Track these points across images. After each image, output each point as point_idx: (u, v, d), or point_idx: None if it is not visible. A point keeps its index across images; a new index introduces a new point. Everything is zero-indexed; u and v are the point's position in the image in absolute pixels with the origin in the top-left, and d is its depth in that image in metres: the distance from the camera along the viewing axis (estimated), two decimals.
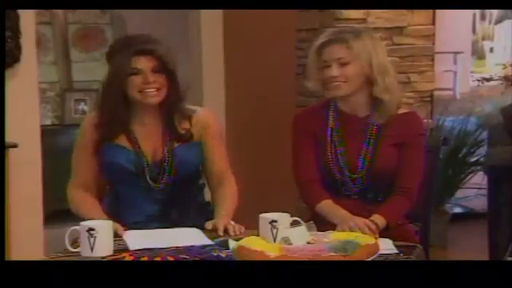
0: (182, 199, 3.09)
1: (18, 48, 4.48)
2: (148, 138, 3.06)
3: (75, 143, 3.13)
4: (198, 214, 3.11)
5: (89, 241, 2.60)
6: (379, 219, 2.95)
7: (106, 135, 3.04)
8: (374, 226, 2.88)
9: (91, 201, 3.05)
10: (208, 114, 3.16)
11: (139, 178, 3.03)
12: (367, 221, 2.90)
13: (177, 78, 3.04)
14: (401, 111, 3.13)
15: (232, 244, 2.53)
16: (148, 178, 3.03)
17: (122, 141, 3.05)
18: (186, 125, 3.08)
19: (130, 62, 2.98)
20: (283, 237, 2.65)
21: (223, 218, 2.94)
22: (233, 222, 2.92)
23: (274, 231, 2.67)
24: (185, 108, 3.10)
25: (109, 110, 3.03)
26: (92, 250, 2.60)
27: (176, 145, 3.06)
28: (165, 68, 3.00)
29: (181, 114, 3.08)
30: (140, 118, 3.07)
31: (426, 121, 5.08)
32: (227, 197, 3.08)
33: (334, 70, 3.02)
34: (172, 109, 3.05)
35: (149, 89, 2.99)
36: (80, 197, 3.06)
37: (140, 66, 2.98)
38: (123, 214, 3.03)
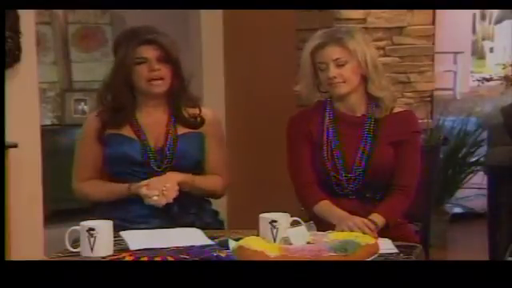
0: (183, 194, 3.09)
1: (18, 48, 4.48)
2: (152, 126, 3.10)
3: (79, 137, 3.16)
4: (198, 211, 3.13)
5: (89, 241, 2.60)
6: (378, 218, 2.95)
7: (109, 124, 3.08)
8: (372, 225, 2.88)
9: (100, 182, 3.10)
10: (217, 115, 3.22)
11: (143, 166, 3.06)
12: (366, 220, 2.90)
13: (181, 67, 3.11)
14: (396, 110, 3.14)
15: (232, 244, 2.53)
16: (151, 164, 3.06)
17: (127, 131, 3.09)
18: (196, 111, 3.14)
19: (136, 51, 3.04)
20: (283, 237, 2.65)
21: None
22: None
23: (274, 231, 2.67)
24: (191, 96, 3.16)
25: (113, 99, 3.09)
26: (92, 249, 2.61)
27: (180, 133, 3.10)
28: (169, 58, 3.07)
29: (188, 102, 3.14)
30: (145, 107, 3.11)
31: (426, 121, 5.08)
32: (208, 177, 3.14)
33: (332, 71, 3.02)
34: (178, 97, 3.11)
35: (155, 78, 3.04)
36: (87, 184, 3.10)
37: (145, 54, 3.05)
38: (125, 209, 3.03)
